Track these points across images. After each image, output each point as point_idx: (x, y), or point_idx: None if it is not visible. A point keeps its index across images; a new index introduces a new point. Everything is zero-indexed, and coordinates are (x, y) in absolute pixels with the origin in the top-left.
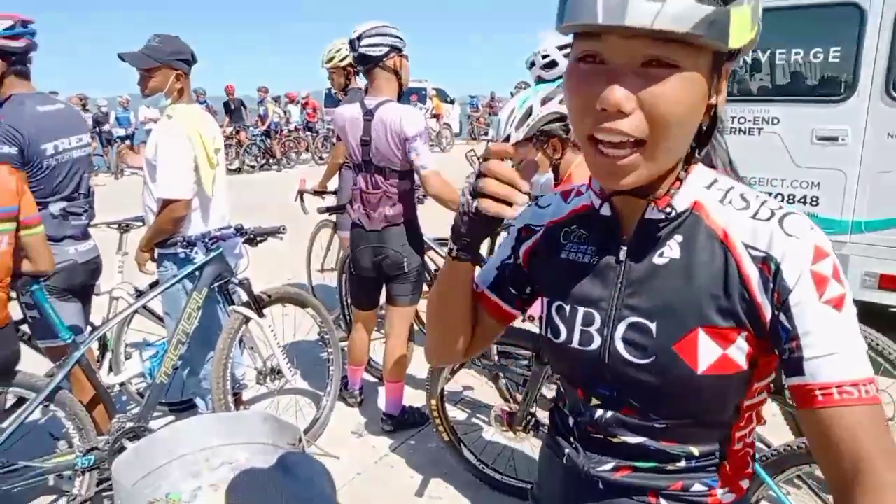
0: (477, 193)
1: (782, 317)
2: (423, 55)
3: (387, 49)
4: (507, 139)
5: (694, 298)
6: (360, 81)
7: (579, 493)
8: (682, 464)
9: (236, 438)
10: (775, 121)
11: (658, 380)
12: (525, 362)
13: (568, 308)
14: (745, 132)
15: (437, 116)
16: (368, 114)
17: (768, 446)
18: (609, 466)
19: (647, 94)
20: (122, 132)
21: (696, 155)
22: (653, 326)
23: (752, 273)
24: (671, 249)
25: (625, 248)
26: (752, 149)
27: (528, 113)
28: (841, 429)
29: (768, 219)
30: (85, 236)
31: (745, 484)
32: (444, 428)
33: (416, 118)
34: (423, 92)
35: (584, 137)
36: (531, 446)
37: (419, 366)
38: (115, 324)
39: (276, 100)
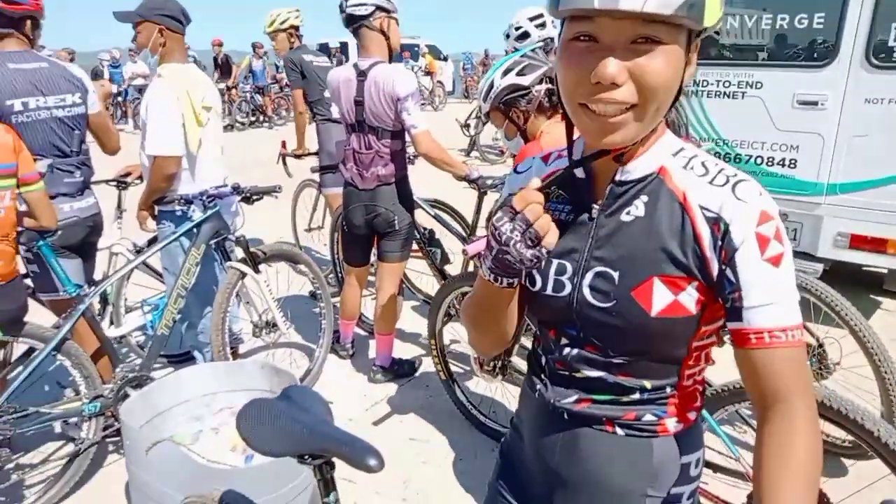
0: (537, 241)
1: (728, 271)
2: (416, 9)
3: (372, 8)
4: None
5: (652, 251)
6: (304, 44)
7: (548, 423)
8: (636, 396)
9: (235, 385)
10: (759, 85)
11: (617, 320)
12: None
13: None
14: (729, 96)
15: (430, 74)
16: (361, 74)
17: (709, 385)
18: (572, 399)
19: (636, 67)
20: (114, 89)
21: (667, 116)
22: (615, 275)
23: (705, 231)
24: (637, 208)
25: (597, 207)
26: (736, 112)
27: (491, 86)
28: (768, 365)
29: (723, 185)
30: (82, 193)
31: (692, 416)
32: (442, 366)
33: (408, 79)
34: (416, 49)
35: (576, 105)
36: (510, 395)
37: (407, 321)
38: (115, 279)
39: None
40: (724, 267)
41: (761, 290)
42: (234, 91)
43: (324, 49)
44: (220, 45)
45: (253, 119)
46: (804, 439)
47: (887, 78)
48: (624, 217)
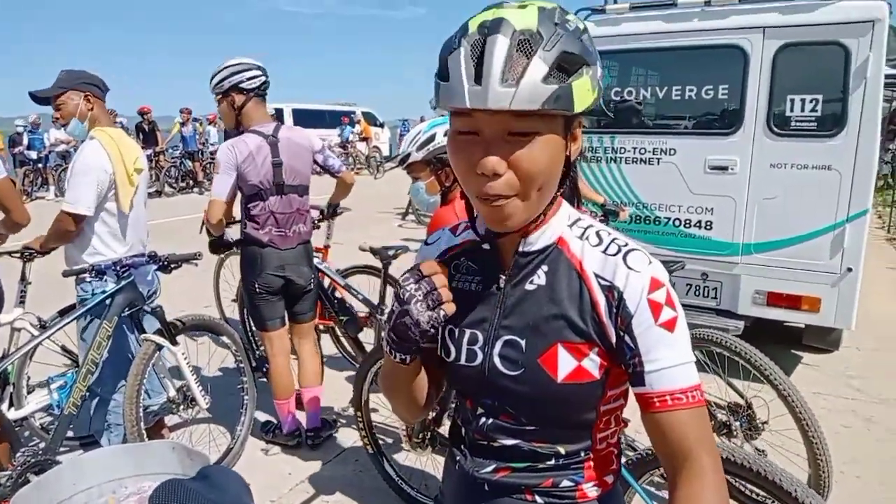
0: (437, 304)
1: (626, 337)
2: (354, 77)
3: None
4: (406, 157)
5: (554, 318)
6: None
7: (470, 496)
8: (552, 462)
9: (144, 469)
10: (672, 151)
11: (526, 388)
12: None
13: (457, 330)
14: (645, 162)
15: (365, 139)
16: (273, 138)
17: (635, 450)
18: (490, 468)
19: (514, 158)
20: (34, 155)
21: (559, 192)
22: (522, 342)
23: (601, 299)
24: (539, 277)
25: (503, 277)
26: (652, 177)
27: (431, 139)
28: (672, 427)
29: (615, 254)
30: None
31: (609, 479)
32: (369, 439)
33: (313, 134)
34: (353, 115)
35: (473, 195)
36: (440, 467)
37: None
38: (17, 357)
39: (197, 121)
40: (621, 333)
41: (659, 355)
42: (161, 157)
43: None
44: (148, 112)
45: (183, 185)
46: (713, 498)
47: (787, 144)
48: (528, 286)
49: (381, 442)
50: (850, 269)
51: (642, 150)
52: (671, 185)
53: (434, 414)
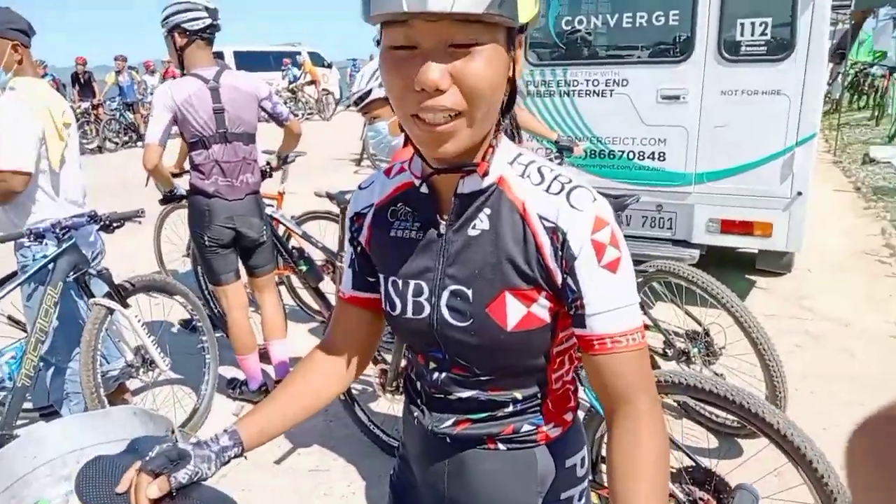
0: None
1: (569, 280)
2: (295, 14)
3: None
4: (367, 93)
5: (500, 265)
6: None
7: (433, 451)
8: (510, 409)
9: (107, 436)
10: (625, 82)
11: (476, 339)
12: None
13: (400, 282)
14: (598, 94)
15: (314, 83)
16: (214, 83)
17: None
18: (450, 422)
19: (457, 71)
20: None
21: (502, 122)
22: (469, 292)
23: (545, 242)
24: (482, 222)
25: (444, 223)
26: (606, 110)
27: None
28: (611, 370)
29: (558, 192)
30: None
31: (569, 417)
32: None
33: (260, 80)
34: (298, 56)
35: (408, 116)
36: None
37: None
38: None
39: (133, 69)
40: (565, 276)
41: (601, 297)
42: (100, 109)
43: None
44: (84, 63)
45: (125, 139)
46: (649, 440)
47: (738, 70)
48: (471, 231)
49: (352, 390)
50: (799, 193)
51: (595, 83)
52: (624, 118)
53: (406, 361)
